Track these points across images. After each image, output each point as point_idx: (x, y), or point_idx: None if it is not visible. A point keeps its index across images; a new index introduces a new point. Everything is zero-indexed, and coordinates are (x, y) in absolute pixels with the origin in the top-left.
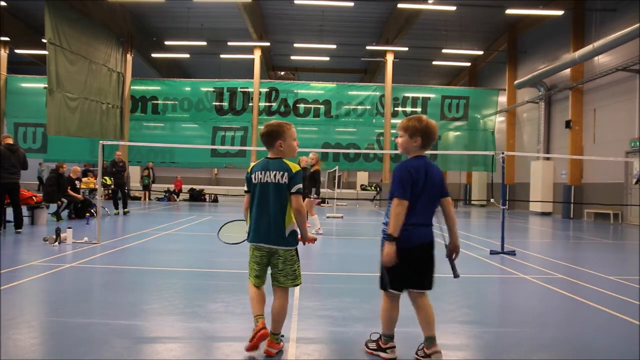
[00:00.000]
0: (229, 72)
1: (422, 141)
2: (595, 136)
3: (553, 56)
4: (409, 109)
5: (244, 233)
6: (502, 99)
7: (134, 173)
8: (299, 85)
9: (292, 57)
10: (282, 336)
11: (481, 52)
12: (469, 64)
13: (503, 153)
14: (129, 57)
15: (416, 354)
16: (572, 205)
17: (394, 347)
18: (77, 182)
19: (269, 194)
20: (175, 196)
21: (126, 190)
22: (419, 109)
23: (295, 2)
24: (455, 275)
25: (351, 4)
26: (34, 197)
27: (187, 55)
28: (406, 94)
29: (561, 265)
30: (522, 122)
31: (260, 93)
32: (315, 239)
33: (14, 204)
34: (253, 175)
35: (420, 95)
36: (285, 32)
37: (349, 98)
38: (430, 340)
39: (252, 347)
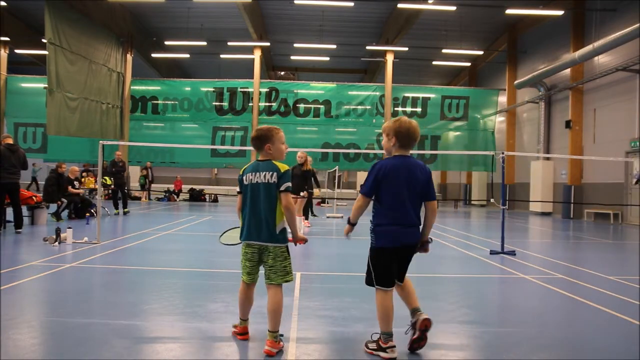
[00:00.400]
0: (229, 72)
1: (398, 141)
2: (595, 136)
3: (553, 56)
4: (409, 109)
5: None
6: (502, 99)
7: (134, 173)
8: (299, 85)
9: (292, 57)
10: (282, 335)
11: (481, 52)
12: (469, 64)
13: (503, 153)
14: (129, 57)
15: (407, 333)
16: (572, 205)
17: (394, 346)
18: (75, 182)
19: (260, 193)
20: (175, 196)
21: (126, 190)
22: (419, 109)
23: (295, 2)
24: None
25: (351, 4)
26: (34, 197)
27: (187, 55)
28: (406, 94)
29: (561, 265)
30: (522, 122)
31: (260, 93)
32: (306, 240)
33: (14, 204)
34: (244, 177)
35: (420, 95)
36: (285, 32)
37: (349, 98)
38: (414, 311)
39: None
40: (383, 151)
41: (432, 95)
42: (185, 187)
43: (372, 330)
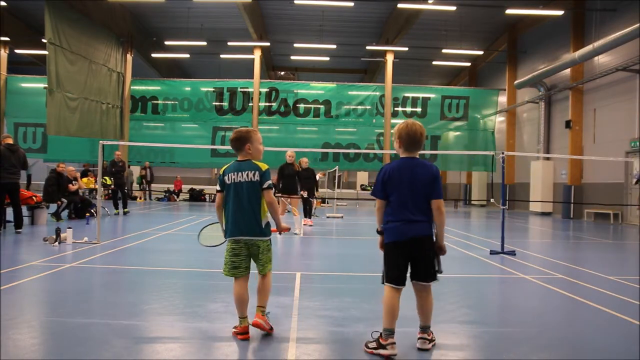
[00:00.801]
0: (229, 72)
1: (402, 143)
2: (595, 136)
3: (553, 56)
4: (409, 109)
5: (221, 233)
6: (502, 99)
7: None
8: (299, 85)
9: (292, 57)
10: (269, 312)
11: (481, 52)
12: (469, 64)
13: (503, 153)
14: (129, 57)
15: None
16: (572, 205)
17: (394, 343)
18: (74, 182)
19: (244, 191)
20: (175, 196)
21: (126, 190)
22: (419, 109)
23: (295, 2)
24: (438, 271)
25: (351, 4)
26: (34, 197)
27: (187, 55)
28: (406, 94)
29: (561, 265)
30: (522, 122)
31: (260, 93)
32: (289, 228)
33: (14, 204)
34: (226, 177)
35: (420, 95)
36: (285, 32)
37: (349, 98)
38: (422, 328)
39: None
40: (383, 151)
41: (432, 95)
42: (185, 187)
43: (372, 330)
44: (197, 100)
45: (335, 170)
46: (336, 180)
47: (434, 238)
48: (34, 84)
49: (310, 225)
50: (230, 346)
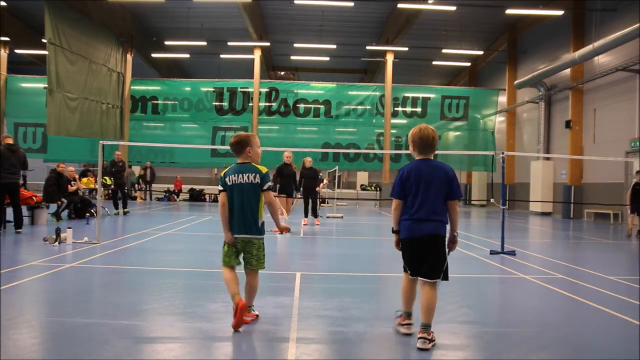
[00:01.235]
0: (229, 72)
1: (416, 147)
2: (595, 136)
3: (553, 56)
4: (409, 109)
5: None
6: (502, 99)
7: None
8: (299, 85)
9: (292, 57)
10: (253, 306)
11: (481, 52)
12: (469, 64)
13: (503, 153)
14: (129, 57)
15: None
16: (572, 205)
17: (410, 324)
18: (73, 182)
19: (244, 193)
20: (175, 196)
21: (126, 190)
22: (419, 109)
23: (295, 2)
24: (445, 272)
25: (351, 4)
26: (34, 197)
27: (187, 55)
28: (406, 94)
29: (561, 265)
30: (522, 122)
31: (260, 93)
32: (289, 228)
33: (14, 204)
34: (227, 179)
35: (420, 95)
36: (285, 32)
37: (349, 98)
38: (423, 327)
39: (238, 323)
40: (383, 151)
41: (432, 95)
42: (185, 187)
43: (372, 330)
44: (197, 100)
45: (335, 170)
46: (336, 180)
47: (446, 238)
48: (34, 84)
49: (317, 225)
50: (230, 346)
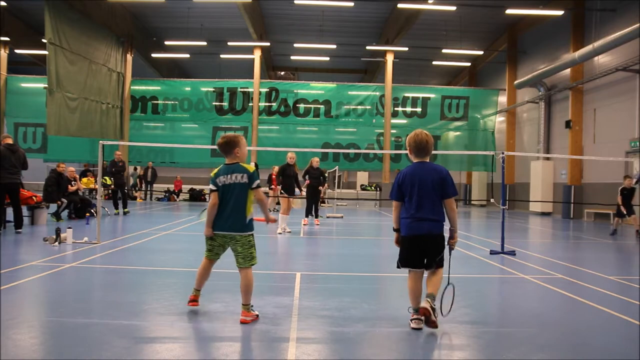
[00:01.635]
0: (229, 72)
1: (412, 151)
2: (595, 136)
3: (553, 56)
4: (409, 109)
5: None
6: (502, 99)
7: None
8: (299, 85)
9: (292, 57)
10: (252, 306)
11: (481, 52)
12: (469, 64)
13: (503, 153)
14: (129, 57)
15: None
16: (572, 205)
17: (418, 319)
18: (73, 182)
19: (234, 192)
20: (175, 196)
21: (126, 190)
22: (419, 109)
23: (295, 2)
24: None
25: (351, 4)
26: (34, 197)
27: (187, 55)
28: (406, 94)
29: (561, 265)
30: (522, 122)
31: (260, 93)
32: (275, 219)
33: (14, 204)
34: (218, 179)
35: (420, 95)
36: (285, 32)
37: (349, 98)
38: (428, 295)
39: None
40: (383, 151)
41: (432, 95)
42: (185, 187)
43: (372, 330)
44: (197, 100)
45: (335, 170)
46: (336, 180)
47: (445, 235)
48: (34, 84)
49: (317, 225)
50: (231, 346)
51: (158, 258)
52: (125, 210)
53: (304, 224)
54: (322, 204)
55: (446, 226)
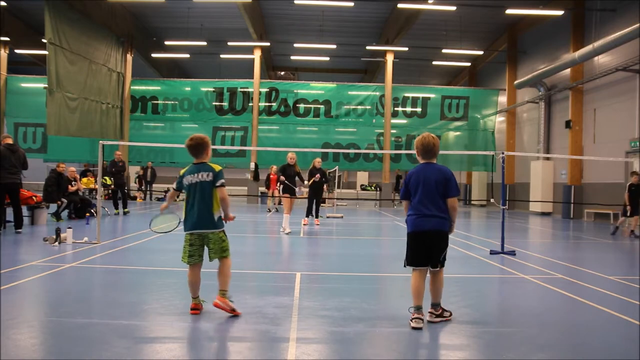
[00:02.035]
0: (229, 72)
1: (419, 153)
2: (595, 136)
3: (553, 56)
4: (409, 109)
5: (175, 222)
6: (502, 99)
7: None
8: (299, 85)
9: (292, 57)
10: (231, 298)
11: (481, 52)
12: (469, 64)
13: (503, 153)
14: (129, 57)
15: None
16: (572, 205)
17: (419, 318)
18: (73, 182)
19: (200, 191)
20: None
21: (126, 190)
22: (419, 109)
23: (295, 2)
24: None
25: (351, 4)
26: (34, 197)
27: (187, 55)
28: (406, 94)
29: (561, 265)
30: (522, 122)
31: (260, 93)
32: (234, 217)
33: (14, 204)
34: (185, 179)
35: (420, 95)
36: (285, 32)
37: (349, 98)
38: (432, 305)
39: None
40: (383, 151)
41: (432, 95)
42: None
43: (372, 330)
44: (197, 100)
45: (335, 170)
46: (336, 180)
47: (448, 233)
48: (34, 84)
49: (317, 225)
50: (231, 346)
51: (158, 258)
52: (125, 210)
53: (304, 224)
54: (322, 204)
55: None
